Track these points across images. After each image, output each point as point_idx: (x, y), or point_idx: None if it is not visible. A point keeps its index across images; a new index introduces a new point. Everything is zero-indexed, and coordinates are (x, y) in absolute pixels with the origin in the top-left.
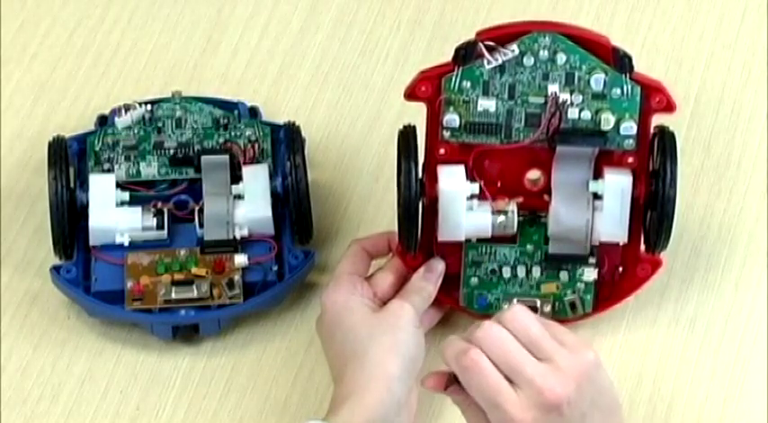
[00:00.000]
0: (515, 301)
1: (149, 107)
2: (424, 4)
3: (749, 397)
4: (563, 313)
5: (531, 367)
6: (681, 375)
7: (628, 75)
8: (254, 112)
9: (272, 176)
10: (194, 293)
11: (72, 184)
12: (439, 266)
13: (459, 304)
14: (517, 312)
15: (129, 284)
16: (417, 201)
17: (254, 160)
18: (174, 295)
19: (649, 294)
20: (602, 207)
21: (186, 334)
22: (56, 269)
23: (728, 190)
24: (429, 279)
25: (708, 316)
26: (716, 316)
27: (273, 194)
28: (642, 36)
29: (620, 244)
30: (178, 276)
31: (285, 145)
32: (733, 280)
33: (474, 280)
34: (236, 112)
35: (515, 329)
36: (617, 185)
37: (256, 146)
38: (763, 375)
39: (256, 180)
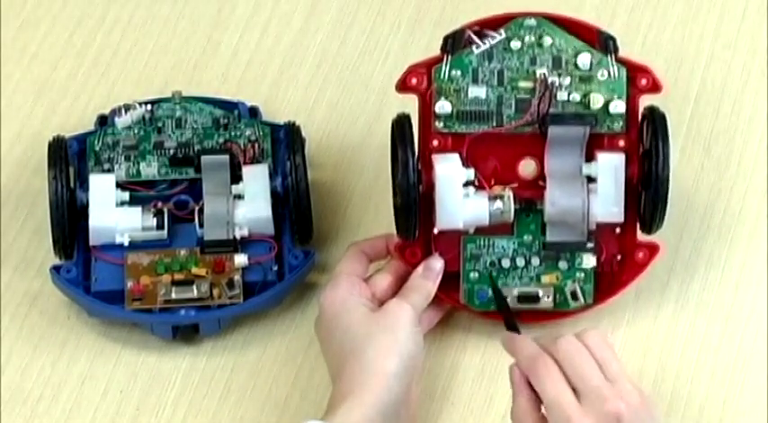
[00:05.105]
0: (515, 291)
1: (149, 107)
2: (423, 4)
3: (749, 397)
4: (564, 305)
5: (598, 379)
6: (681, 375)
7: (613, 56)
8: (254, 112)
9: (272, 176)
10: (194, 293)
11: (72, 184)
12: (438, 265)
13: (460, 302)
14: (596, 334)
15: (129, 284)
16: (416, 186)
17: (254, 160)
18: (174, 295)
19: (649, 294)
20: (597, 188)
21: (186, 334)
22: (56, 269)
23: (728, 190)
24: (428, 277)
25: (708, 316)
26: (716, 316)
27: (273, 194)
28: (642, 36)
29: (617, 227)
30: (178, 276)
31: (285, 145)
32: (733, 280)
33: (474, 275)
34: (236, 112)
35: (591, 346)
36: (610, 163)
37: (256, 146)
38: (763, 375)
39: (256, 180)
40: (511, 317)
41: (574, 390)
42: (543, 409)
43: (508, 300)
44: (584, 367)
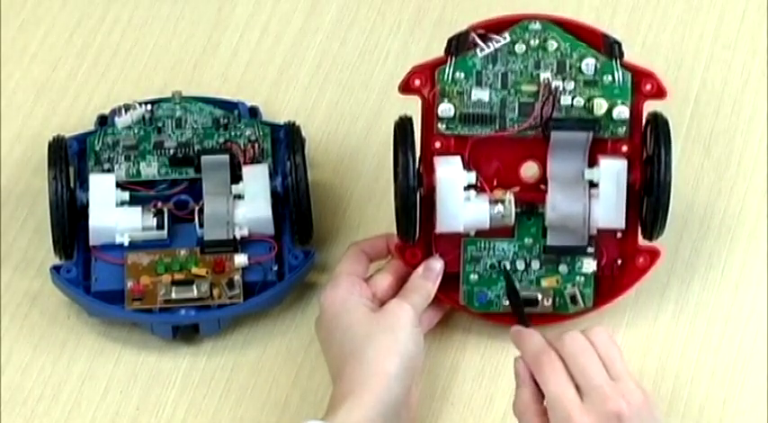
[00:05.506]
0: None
1: (149, 107)
2: (424, 4)
3: (749, 397)
4: (564, 308)
5: (602, 378)
6: (681, 375)
7: (618, 61)
8: (254, 112)
9: (272, 176)
10: (194, 293)
11: (72, 184)
12: (437, 265)
13: (460, 303)
14: (602, 331)
15: (129, 284)
16: (416, 188)
17: (254, 160)
18: (174, 295)
19: (649, 294)
20: (599, 193)
21: (186, 334)
22: (56, 269)
23: (728, 190)
24: (428, 277)
25: (708, 316)
26: (716, 316)
27: (273, 194)
28: (642, 36)
29: (618, 232)
30: (178, 276)
31: (285, 145)
32: (733, 280)
33: (473, 277)
34: (236, 112)
35: (596, 343)
36: (612, 169)
37: (256, 146)
38: (763, 375)
39: (256, 180)
40: (522, 311)
41: (577, 387)
42: (545, 402)
43: (506, 303)
44: (588, 365)
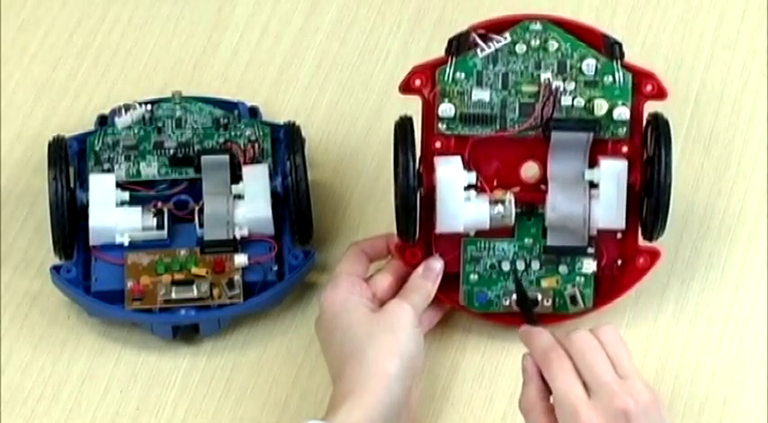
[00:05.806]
0: (515, 295)
1: (149, 107)
2: (424, 4)
3: (749, 397)
4: (564, 308)
5: (609, 375)
6: (681, 375)
7: (618, 61)
8: (254, 112)
9: (272, 176)
10: (194, 293)
11: (72, 184)
12: (437, 265)
13: (460, 303)
14: (611, 329)
15: (129, 284)
16: (416, 188)
17: (254, 160)
18: (174, 295)
19: (649, 294)
20: (599, 194)
21: (186, 334)
22: (56, 269)
23: (728, 190)
24: (428, 277)
25: (708, 316)
26: (716, 316)
27: (273, 194)
28: (642, 36)
29: (618, 232)
30: (178, 276)
31: (285, 145)
32: (733, 280)
33: (474, 277)
34: (236, 112)
35: (605, 342)
36: (612, 170)
37: (256, 146)
38: (763, 375)
39: (256, 180)
40: (531, 311)
41: (584, 384)
42: (551, 399)
43: (507, 303)
44: (596, 363)
